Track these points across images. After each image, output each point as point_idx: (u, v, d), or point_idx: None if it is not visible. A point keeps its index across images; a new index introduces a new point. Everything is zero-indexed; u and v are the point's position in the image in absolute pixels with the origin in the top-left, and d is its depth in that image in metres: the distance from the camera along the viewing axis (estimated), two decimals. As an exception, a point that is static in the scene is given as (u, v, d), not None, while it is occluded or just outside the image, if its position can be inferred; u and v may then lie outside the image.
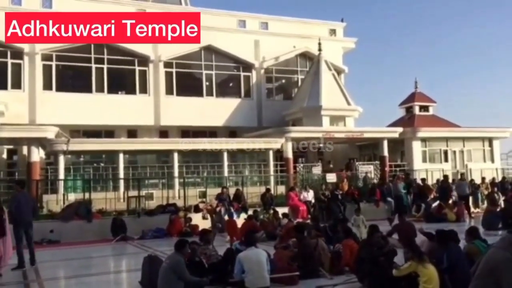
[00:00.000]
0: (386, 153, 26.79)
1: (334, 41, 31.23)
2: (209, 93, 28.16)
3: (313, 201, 20.32)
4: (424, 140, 28.32)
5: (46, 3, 25.15)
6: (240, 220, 17.13)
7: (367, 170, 25.33)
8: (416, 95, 32.60)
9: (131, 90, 26.68)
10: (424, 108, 32.42)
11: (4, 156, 24.36)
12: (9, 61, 24.08)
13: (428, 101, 32.79)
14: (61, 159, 21.24)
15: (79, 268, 11.23)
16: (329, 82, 27.69)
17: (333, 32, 31.77)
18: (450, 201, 21.20)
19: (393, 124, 31.76)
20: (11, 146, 23.99)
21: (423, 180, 21.88)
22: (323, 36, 29.77)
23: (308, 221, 18.80)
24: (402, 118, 32.66)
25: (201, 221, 17.37)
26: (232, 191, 20.22)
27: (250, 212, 17.36)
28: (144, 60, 26.56)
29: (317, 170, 25.07)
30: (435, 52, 77.49)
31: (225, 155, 24.00)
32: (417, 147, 28.03)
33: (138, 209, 17.70)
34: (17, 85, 24.21)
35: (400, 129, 27.46)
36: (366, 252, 7.39)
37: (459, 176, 24.00)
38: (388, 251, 7.16)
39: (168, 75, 27.14)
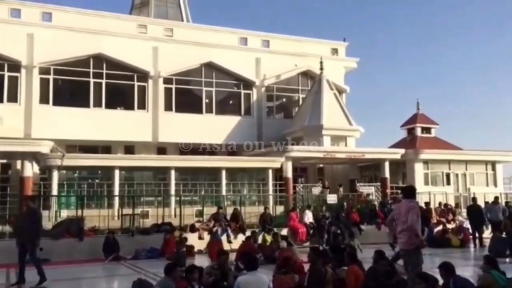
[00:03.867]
0: (387, 174, 26.31)
1: (336, 61, 30.97)
2: (209, 110, 27.75)
3: (311, 222, 19.72)
4: (426, 162, 27.83)
5: (46, 16, 24.90)
6: (237, 241, 16.59)
7: (368, 191, 24.78)
8: (418, 117, 32.27)
9: (129, 106, 26.28)
10: (426, 130, 32.05)
11: (-2, 170, 23.81)
12: (6, 74, 23.71)
13: (430, 123, 32.44)
14: (55, 175, 20.73)
15: (67, 290, 10.63)
16: (330, 101, 27.33)
17: (335, 51, 31.54)
18: (454, 226, 20.65)
19: (395, 145, 31.32)
20: (4, 161, 23.43)
21: (427, 203, 21.30)
22: (325, 55, 29.51)
23: (308, 243, 18.31)
24: (404, 139, 32.26)
25: (197, 241, 16.79)
26: (230, 210, 19.70)
27: (248, 232, 16.76)
28: (143, 76, 26.22)
29: (317, 190, 24.52)
30: (438, 73, 77.57)
31: (223, 173, 23.51)
32: (419, 169, 27.55)
33: (132, 228, 17.11)
34: (13, 98, 23.80)
35: (402, 151, 26.99)
36: (373, 281, 6.84)
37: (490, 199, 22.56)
38: (397, 281, 6.61)
39: (168, 91, 26.77)
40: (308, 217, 19.70)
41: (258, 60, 28.84)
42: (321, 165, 29.02)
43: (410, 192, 8.39)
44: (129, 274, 11.90)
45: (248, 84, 28.74)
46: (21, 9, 24.47)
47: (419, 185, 26.55)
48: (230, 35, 28.79)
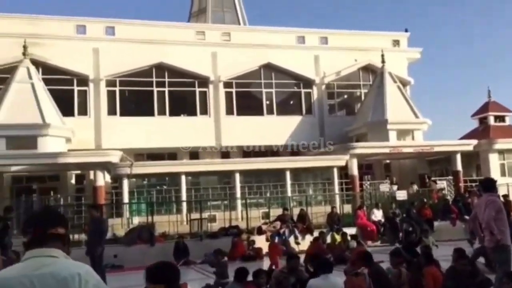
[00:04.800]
0: (459, 167, 25.05)
1: (398, 52, 29.95)
2: (270, 112, 27.69)
3: (382, 220, 19.14)
4: (501, 152, 26.33)
5: (109, 30, 25.83)
6: (305, 242, 16.38)
7: (440, 186, 23.72)
8: (490, 105, 30.57)
9: (192, 112, 26.73)
10: (500, 118, 30.29)
11: (73, 181, 24.92)
12: (75, 88, 24.81)
13: (504, 111, 30.63)
14: (125, 183, 21.40)
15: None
16: (394, 94, 26.43)
17: (396, 43, 30.53)
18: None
19: (466, 136, 29.86)
20: (79, 172, 24.52)
21: (505, 196, 20.04)
22: (386, 48, 28.57)
23: (378, 242, 17.77)
24: (476, 129, 30.67)
25: (265, 244, 16.69)
26: (296, 211, 19.52)
27: (316, 233, 16.50)
28: (204, 81, 26.59)
29: (384, 187, 23.78)
30: (508, 58, 73.36)
31: (288, 174, 23.33)
32: (494, 160, 26.10)
33: (200, 232, 17.33)
34: (83, 111, 24.86)
35: (474, 141, 25.65)
36: (453, 282, 6.40)
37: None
38: (481, 280, 6.14)
39: (228, 95, 26.99)
40: (376, 215, 19.12)
41: (316, 57, 28.43)
42: (387, 161, 28.16)
43: (489, 184, 7.78)
44: (199, 279, 11.99)
45: (308, 83, 28.42)
46: (86, 25, 25.56)
47: (495, 177, 25.02)
48: (287, 34, 28.62)
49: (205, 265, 14.77)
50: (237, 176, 22.86)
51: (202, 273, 13.25)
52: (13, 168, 21.79)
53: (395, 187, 23.52)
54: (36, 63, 23.27)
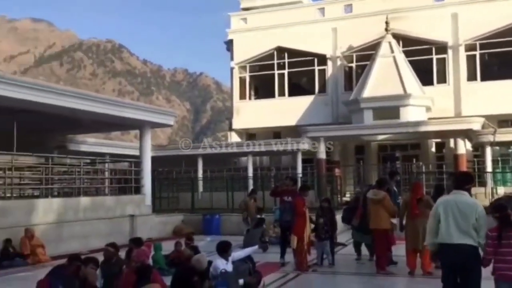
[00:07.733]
0: None
1: None
2: None
3: None
4: None
5: None
6: None
7: None
8: None
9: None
10: None
11: (433, 149, 25.36)
12: (434, 57, 24.90)
13: None
14: (488, 151, 20.50)
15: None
16: None
17: None
18: None
19: None
20: (438, 140, 24.78)
21: None
22: None
23: None
24: None
25: None
26: None
27: None
28: None
29: None
30: None
31: None
32: None
33: None
34: (442, 79, 24.81)
35: None
36: None
37: None
38: None
39: None
40: None
41: None
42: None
43: None
44: None
45: None
46: (443, -8, 25.18)
47: None
48: None
49: None
50: None
51: None
52: (379, 137, 23.85)
53: None
54: (397, 36, 24.47)
